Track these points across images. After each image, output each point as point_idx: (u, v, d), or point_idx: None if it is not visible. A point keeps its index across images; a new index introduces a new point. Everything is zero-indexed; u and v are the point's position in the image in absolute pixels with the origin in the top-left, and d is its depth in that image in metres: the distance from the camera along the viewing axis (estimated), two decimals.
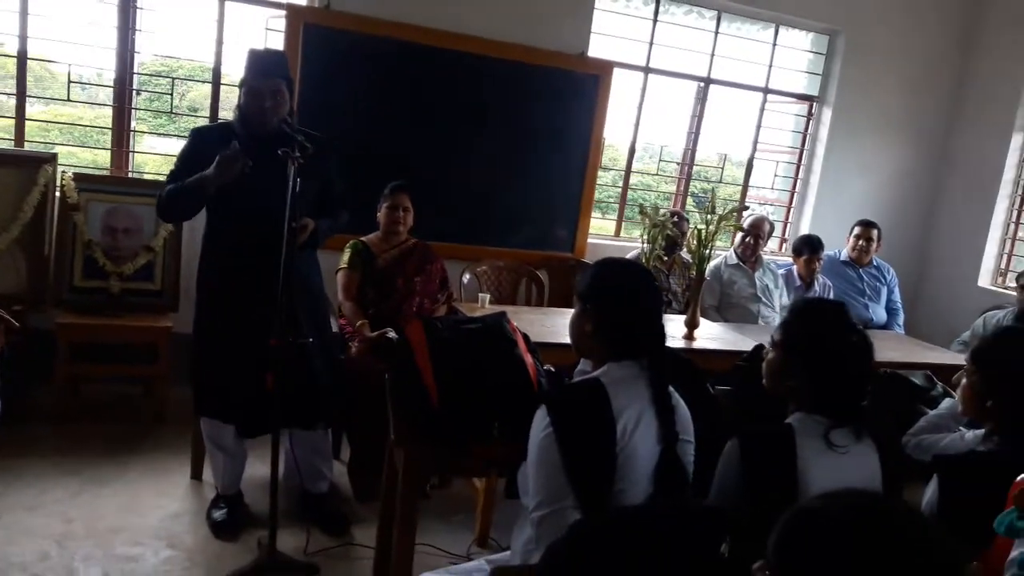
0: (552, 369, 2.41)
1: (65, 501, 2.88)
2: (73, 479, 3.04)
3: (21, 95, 4.01)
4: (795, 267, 4.76)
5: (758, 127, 5.49)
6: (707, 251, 3.64)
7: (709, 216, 3.64)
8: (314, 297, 2.92)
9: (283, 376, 2.44)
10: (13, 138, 4.05)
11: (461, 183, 4.61)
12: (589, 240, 5.00)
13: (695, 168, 5.47)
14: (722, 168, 5.58)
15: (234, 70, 4.29)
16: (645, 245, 3.81)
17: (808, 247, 4.67)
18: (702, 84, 5.27)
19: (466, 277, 4.29)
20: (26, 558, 2.51)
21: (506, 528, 2.44)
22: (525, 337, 2.46)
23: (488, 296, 3.84)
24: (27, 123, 4.07)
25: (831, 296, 4.61)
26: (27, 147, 4.03)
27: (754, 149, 5.53)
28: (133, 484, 3.08)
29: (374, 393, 2.85)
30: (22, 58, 3.96)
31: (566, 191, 4.86)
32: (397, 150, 4.39)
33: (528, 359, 2.33)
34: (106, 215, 3.84)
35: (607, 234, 5.36)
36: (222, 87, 4.30)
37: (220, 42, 4.23)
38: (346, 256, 3.50)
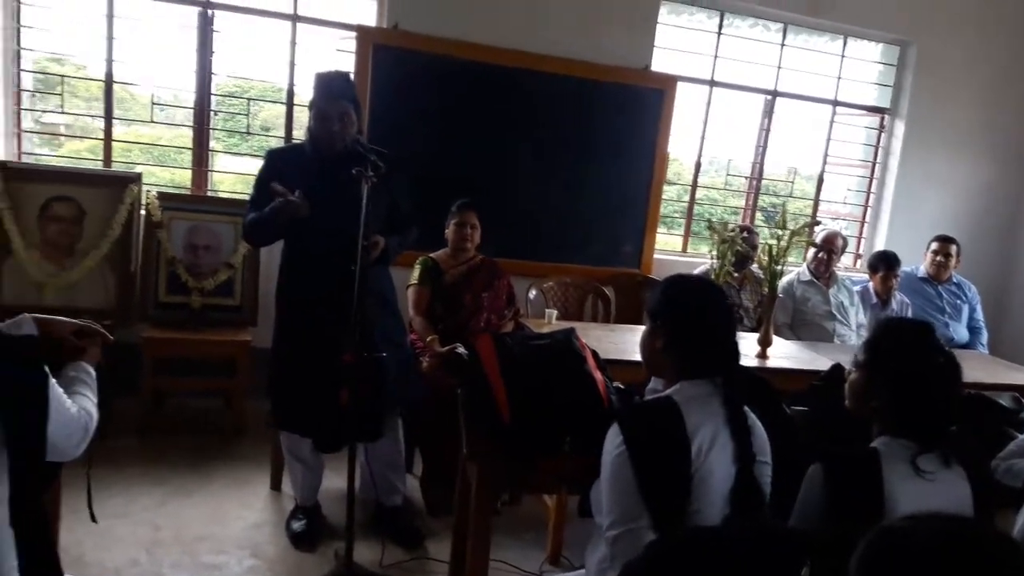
0: (622, 387, 2.41)
1: (152, 509, 3.00)
2: (159, 489, 3.16)
3: (108, 117, 4.21)
4: (871, 284, 4.64)
5: (828, 140, 5.39)
6: (779, 267, 3.59)
7: (780, 231, 3.60)
8: (390, 312, 2.98)
9: (357, 392, 2.48)
10: (102, 159, 4.25)
11: (527, 200, 4.64)
12: (655, 256, 4.98)
13: (764, 182, 5.40)
14: (792, 182, 5.49)
15: (306, 90, 4.43)
16: (714, 261, 3.77)
17: (884, 263, 4.55)
18: (769, 97, 5.21)
19: (532, 293, 4.32)
20: (118, 563, 2.62)
21: (577, 547, 2.45)
22: (594, 354, 2.46)
23: (555, 312, 3.86)
24: (113, 144, 4.27)
25: (909, 314, 4.48)
26: (113, 167, 4.23)
27: (824, 163, 5.43)
28: (216, 494, 3.18)
29: (445, 407, 2.89)
30: (108, 82, 4.16)
31: (631, 206, 4.85)
32: (464, 167, 4.45)
33: (598, 375, 2.34)
34: (188, 233, 4.00)
35: (674, 250, 5.32)
36: (295, 107, 4.44)
37: (292, 63, 4.37)
38: (416, 272, 3.57)
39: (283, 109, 4.49)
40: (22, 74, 4.10)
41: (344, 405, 2.47)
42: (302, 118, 4.43)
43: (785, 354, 3.65)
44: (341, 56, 4.37)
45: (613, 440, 1.66)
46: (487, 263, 3.67)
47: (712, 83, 5.05)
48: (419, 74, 4.35)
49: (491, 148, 4.54)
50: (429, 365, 3.28)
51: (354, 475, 2.56)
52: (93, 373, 1.73)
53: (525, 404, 2.18)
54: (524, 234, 4.64)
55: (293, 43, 4.34)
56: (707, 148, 5.17)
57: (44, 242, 3.78)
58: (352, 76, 3.72)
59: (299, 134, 4.43)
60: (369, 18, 4.39)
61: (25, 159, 4.13)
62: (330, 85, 2.77)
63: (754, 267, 4.37)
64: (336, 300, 2.61)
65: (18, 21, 3.98)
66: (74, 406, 1.52)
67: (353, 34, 4.28)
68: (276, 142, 4.58)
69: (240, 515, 3.04)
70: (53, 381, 1.46)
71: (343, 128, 2.72)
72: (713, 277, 3.71)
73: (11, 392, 1.36)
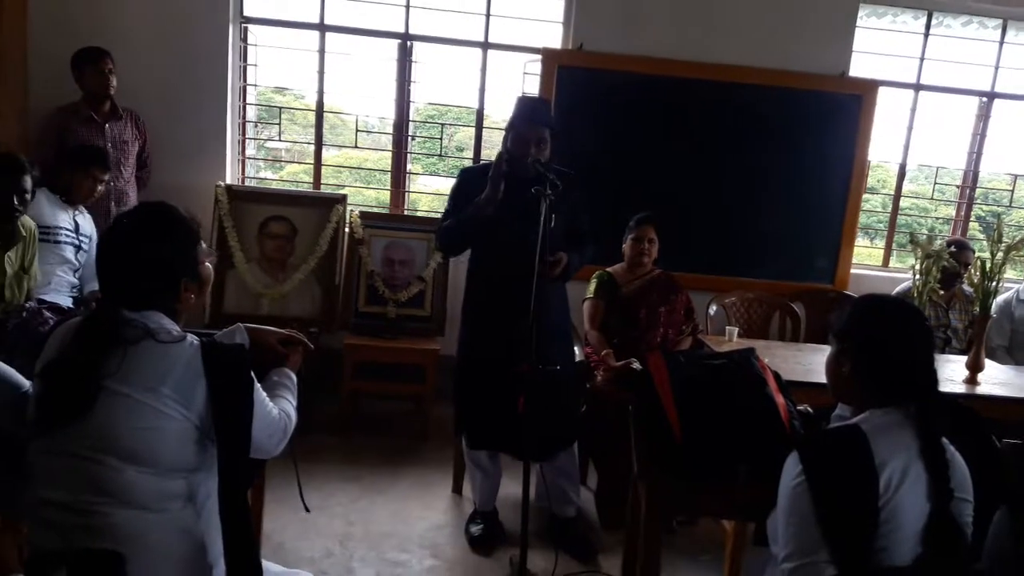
0: (809, 410, 2.30)
1: (347, 505, 3.24)
2: (354, 486, 3.41)
3: (319, 143, 4.64)
4: None
5: None
6: (994, 284, 3.26)
7: (995, 245, 3.26)
8: (562, 327, 3.03)
9: (533, 400, 2.55)
10: (312, 181, 4.69)
11: (710, 212, 4.55)
12: (852, 270, 4.69)
13: (980, 190, 4.92)
14: (1012, 190, 4.96)
15: (495, 111, 4.63)
16: (917, 277, 3.49)
17: None
18: (984, 99, 4.75)
19: (713, 309, 4.21)
20: (314, 553, 2.86)
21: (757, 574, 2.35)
22: (776, 375, 2.37)
23: (736, 329, 3.74)
24: (322, 168, 4.69)
25: None
26: (323, 188, 4.64)
27: None
28: (403, 494, 3.38)
29: (620, 421, 2.90)
30: (319, 110, 4.59)
31: (825, 218, 4.61)
32: (644, 181, 4.44)
33: (779, 399, 2.25)
34: (386, 248, 4.31)
35: (874, 264, 4.98)
36: (484, 129, 4.64)
37: (483, 88, 4.58)
38: (592, 286, 3.60)
39: (473, 131, 4.71)
40: (247, 107, 4.61)
41: (520, 412, 2.55)
42: (491, 138, 4.65)
43: (999, 380, 3.30)
44: (528, 78, 4.52)
45: (792, 469, 1.60)
46: (664, 277, 3.63)
47: (918, 86, 4.70)
48: (602, 91, 4.40)
49: (673, 161, 4.50)
50: (603, 379, 3.29)
51: (529, 484, 2.63)
52: (294, 378, 1.91)
53: (698, 426, 2.14)
54: (705, 248, 4.55)
55: (484, 68, 4.56)
56: (914, 154, 4.81)
57: (262, 257, 4.23)
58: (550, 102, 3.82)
59: (487, 153, 4.63)
60: (555, 41, 4.51)
61: (249, 183, 4.64)
62: (530, 109, 2.88)
63: (964, 285, 3.98)
64: (517, 312, 2.69)
65: (244, 60, 4.49)
66: (275, 409, 1.69)
67: (539, 57, 4.41)
68: (467, 162, 4.81)
69: (423, 515, 3.21)
70: (258, 386, 1.64)
71: (538, 152, 2.81)
72: (915, 295, 3.45)
73: (222, 396, 1.54)
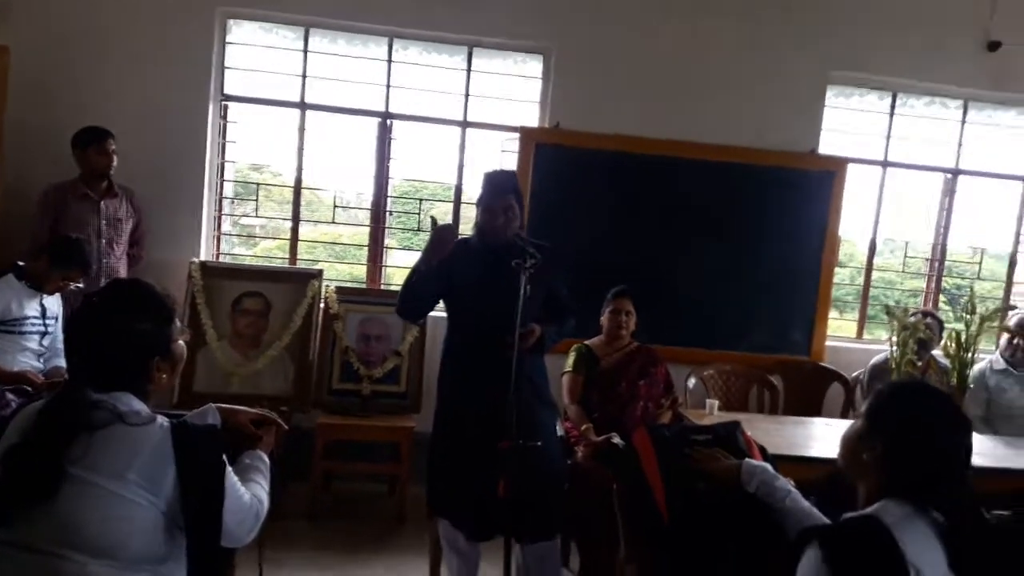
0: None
1: None
2: (326, 574, 3.27)
3: (296, 219, 4.63)
4: None
5: (1021, 218, 4.97)
6: (970, 355, 3.28)
7: (968, 316, 3.30)
8: (541, 401, 2.98)
9: (514, 480, 2.47)
10: (288, 257, 4.66)
11: (686, 286, 4.58)
12: (827, 342, 4.72)
13: (947, 263, 5.02)
14: (979, 263, 5.06)
15: (472, 188, 4.66)
16: (894, 348, 3.51)
17: None
18: (949, 176, 4.89)
19: (692, 382, 4.18)
20: None
21: None
22: (762, 449, 2.34)
23: (717, 402, 3.71)
24: (299, 244, 4.67)
25: None
26: (298, 264, 4.61)
27: (1017, 242, 4.99)
28: None
29: (602, 499, 2.82)
30: (297, 187, 4.60)
31: (799, 291, 4.66)
32: (621, 255, 4.47)
33: None
34: (361, 323, 4.26)
35: (847, 336, 5.02)
36: (462, 204, 4.67)
37: (461, 165, 4.63)
38: (571, 359, 3.58)
39: (451, 207, 4.73)
40: (224, 183, 4.60)
41: (502, 495, 2.47)
42: (468, 214, 4.67)
43: (979, 451, 3.26)
44: (505, 156, 4.59)
45: (814, 564, 1.45)
46: (643, 350, 3.61)
47: (886, 163, 4.84)
48: (578, 168, 4.47)
49: (649, 235, 4.54)
50: (584, 455, 3.23)
51: (510, 567, 2.53)
52: (267, 461, 1.83)
53: (685, 504, 2.09)
54: (682, 321, 4.55)
55: (462, 146, 4.62)
56: (882, 229, 4.93)
57: (234, 334, 4.16)
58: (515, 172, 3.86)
59: (464, 227, 4.65)
60: (532, 119, 4.59)
61: (223, 259, 4.60)
62: (496, 182, 2.90)
63: (937, 352, 4.00)
64: (493, 386, 2.64)
65: (223, 137, 4.51)
66: (247, 494, 1.61)
67: (517, 135, 4.48)
68: None
69: None
70: (230, 470, 1.57)
71: (507, 220, 2.81)
72: (893, 366, 3.46)
73: (193, 481, 1.47)
